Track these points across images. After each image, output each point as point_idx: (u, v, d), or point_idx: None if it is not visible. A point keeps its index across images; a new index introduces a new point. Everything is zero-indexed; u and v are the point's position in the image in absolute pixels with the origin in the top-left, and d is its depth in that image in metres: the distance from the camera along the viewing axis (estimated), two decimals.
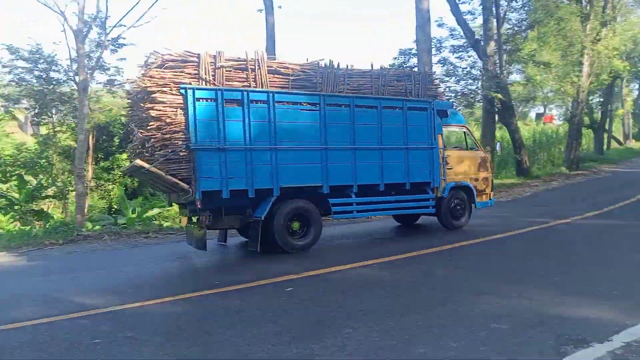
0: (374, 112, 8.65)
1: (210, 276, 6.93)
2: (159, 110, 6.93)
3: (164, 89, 6.98)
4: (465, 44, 20.33)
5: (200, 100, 7.18)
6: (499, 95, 18.31)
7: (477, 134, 22.43)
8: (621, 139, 42.50)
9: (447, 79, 20.45)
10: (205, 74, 7.25)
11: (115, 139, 19.03)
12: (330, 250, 8.40)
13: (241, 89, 7.52)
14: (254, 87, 7.64)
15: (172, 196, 8.31)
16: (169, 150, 6.93)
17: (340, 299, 5.33)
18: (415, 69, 15.17)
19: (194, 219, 7.84)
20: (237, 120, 7.42)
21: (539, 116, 59.35)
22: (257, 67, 7.67)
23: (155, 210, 15.76)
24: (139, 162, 7.05)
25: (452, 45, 20.50)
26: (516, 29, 21.78)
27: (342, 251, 8.43)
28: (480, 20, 20.52)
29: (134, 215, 14.48)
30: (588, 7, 20.52)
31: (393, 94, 9.00)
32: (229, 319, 4.77)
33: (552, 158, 27.69)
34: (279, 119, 7.74)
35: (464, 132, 10.57)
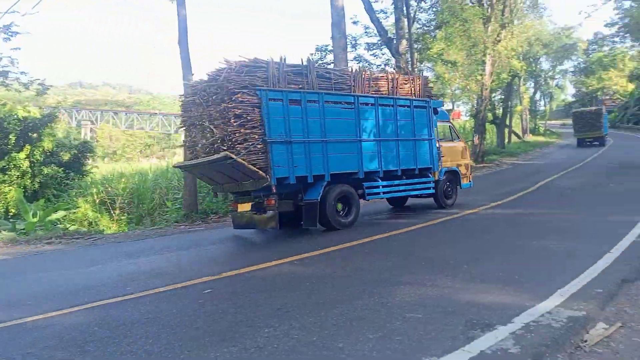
0: (391, 110, 10.35)
1: (124, 282, 6.52)
2: (241, 109, 7.94)
3: (244, 91, 8.01)
4: (379, 42, 20.94)
5: (272, 100, 8.33)
6: None
7: None
8: (520, 134, 46.23)
9: None
10: (273, 78, 8.42)
11: (11, 137, 17.27)
12: (250, 249, 8.29)
13: (300, 90, 8.82)
14: (307, 89, 8.93)
15: (225, 186, 9.45)
16: (249, 144, 7.98)
17: (259, 299, 5.25)
18: (332, 66, 15.53)
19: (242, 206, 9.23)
20: (297, 117, 8.68)
21: (448, 112, 62.82)
22: (308, 72, 9.03)
23: (60, 214, 14.57)
24: (228, 153, 7.89)
25: (367, 43, 21.07)
26: (425, 28, 22.86)
27: (263, 249, 8.33)
28: (392, 19, 21.27)
29: (35, 220, 13.30)
30: (489, 10, 22.00)
31: (403, 94, 10.73)
32: (142, 327, 4.52)
33: None
34: (327, 115, 9.14)
35: (449, 126, 12.78)
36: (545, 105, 76.94)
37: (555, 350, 3.68)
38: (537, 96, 67.47)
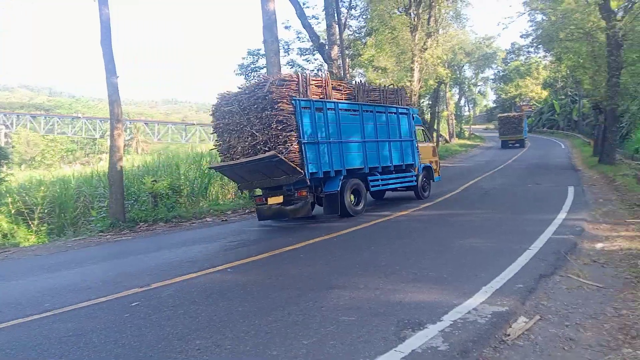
0: (385, 116, 12.26)
1: (42, 298, 6.03)
2: (282, 116, 9.37)
3: (284, 100, 9.41)
4: (312, 47, 21.10)
5: (303, 108, 9.76)
6: None
7: None
8: (447, 138, 48.39)
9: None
10: (302, 89, 9.89)
11: None
12: (183, 258, 7.97)
13: (322, 100, 10.39)
14: (325, 99, 10.49)
15: (255, 183, 10.78)
16: (288, 144, 9.39)
17: (190, 309, 5.06)
18: (264, 70, 15.51)
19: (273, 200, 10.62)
20: (321, 122, 10.22)
21: None
22: (326, 85, 10.67)
23: None
24: (276, 152, 9.27)
25: (300, 48, 21.16)
26: (356, 35, 23.34)
27: (196, 258, 8.04)
28: (324, 25, 21.51)
29: None
30: (416, 19, 22.85)
31: (390, 103, 12.64)
32: (59, 347, 4.19)
33: None
34: (341, 121, 10.79)
35: (422, 129, 15.03)
36: (469, 111, 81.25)
37: (481, 345, 3.84)
38: (462, 102, 71.25)
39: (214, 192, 17.74)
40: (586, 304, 4.89)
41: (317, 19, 21.65)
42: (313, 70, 21.74)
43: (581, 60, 23.91)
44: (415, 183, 13.41)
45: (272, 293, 5.49)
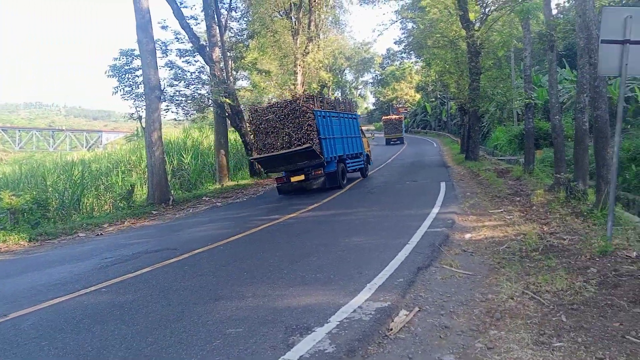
0: (348, 120, 17.79)
1: None
2: (308, 121, 13.93)
3: (309, 110, 14.09)
4: (192, 49, 20.32)
5: (319, 116, 14.50)
6: (228, 100, 19.00)
7: (212, 137, 22.91)
8: None
9: (176, 82, 20.12)
10: (314, 103, 14.98)
11: None
12: (44, 281, 7.11)
13: (324, 110, 15.47)
14: (325, 109, 15.77)
15: (281, 168, 15.32)
16: (314, 140, 13.89)
17: (56, 341, 4.51)
18: (139, 72, 14.78)
19: (295, 178, 15.18)
20: (326, 125, 15.13)
21: None
22: (323, 100, 16.33)
23: None
24: (310, 144, 13.75)
25: (179, 49, 20.24)
26: (238, 37, 23.01)
27: (61, 279, 7.21)
28: (204, 26, 20.85)
29: None
30: (297, 23, 23.20)
31: (347, 111, 18.31)
32: None
33: None
34: (333, 124, 15.85)
35: (362, 129, 20.51)
36: None
37: (366, 343, 3.93)
38: None
39: (88, 204, 16.29)
40: (458, 291, 5.28)
41: (197, 19, 20.90)
42: (194, 72, 20.98)
43: (447, 66, 26.13)
44: (363, 165, 19.09)
45: (153, 311, 5.12)
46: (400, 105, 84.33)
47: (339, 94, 65.30)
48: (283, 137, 14.09)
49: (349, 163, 17.01)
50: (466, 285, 5.50)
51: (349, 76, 69.01)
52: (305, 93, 15.80)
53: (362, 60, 61.87)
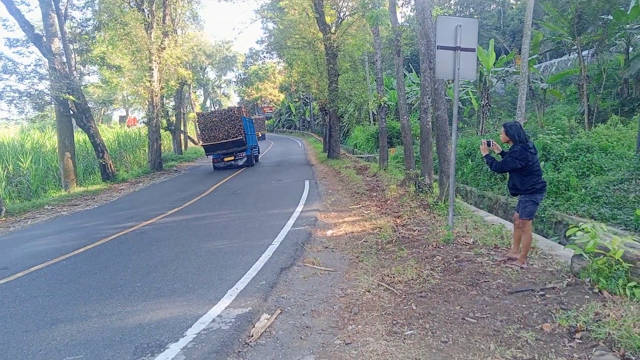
0: (251, 122, 27.74)
1: None
2: (239, 123, 22.38)
3: (239, 116, 22.42)
4: (26, 38, 17.79)
5: (244, 119, 23.45)
6: (72, 97, 17.05)
7: (55, 139, 20.44)
8: (195, 139, 48.12)
9: (6, 76, 17.43)
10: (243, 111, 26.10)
11: None
12: None
13: (245, 117, 25.07)
14: (246, 117, 26.62)
15: (218, 152, 22.55)
16: (241, 134, 22.14)
17: None
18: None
19: (228, 158, 23.05)
20: (246, 126, 24.03)
21: (122, 119, 60.10)
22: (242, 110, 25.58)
23: None
24: (242, 137, 22.15)
25: (8, 38, 17.58)
26: (83, 27, 20.82)
27: None
28: (40, 14, 18.41)
29: None
30: (150, 16, 21.78)
31: (249, 117, 29.77)
32: None
33: (138, 160, 28.44)
34: (248, 125, 25.68)
35: (251, 123, 28.19)
36: None
37: (225, 354, 3.74)
38: (208, 103, 71.94)
39: None
40: (319, 289, 5.34)
41: (29, 5, 18.49)
42: (30, 65, 18.41)
43: (307, 67, 26.85)
44: (258, 153, 27.58)
45: None
46: (266, 105, 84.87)
47: (201, 92, 63.30)
48: (223, 132, 22.08)
49: (254, 150, 25.37)
50: (327, 282, 5.59)
51: (212, 74, 67.31)
52: (237, 106, 24.94)
53: (224, 58, 60.68)
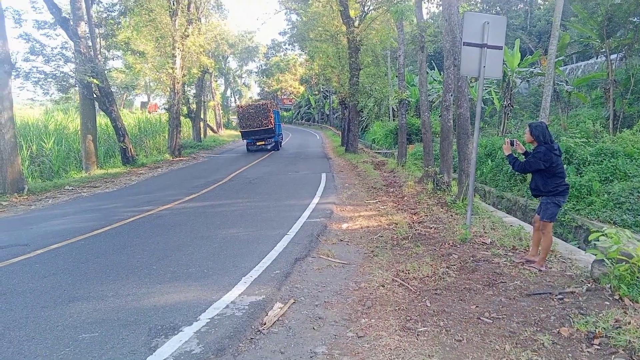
0: (278, 113, 32.22)
1: None
2: (271, 114, 26.89)
3: (271, 108, 27.46)
4: (53, 21, 18.02)
5: (274, 111, 29.15)
6: (96, 81, 17.27)
7: (78, 121, 20.75)
8: (215, 128, 48.47)
9: (33, 57, 17.71)
10: (274, 104, 32.79)
11: None
12: None
13: (274, 109, 29.52)
14: (276, 109, 31.83)
15: (253, 137, 27.76)
16: (272, 124, 27.14)
17: None
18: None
19: (259, 143, 28.47)
20: (275, 116, 28.99)
21: (144, 105, 60.72)
22: (273, 102, 33.71)
23: None
24: (272, 126, 27.40)
25: (36, 20, 17.80)
26: (109, 12, 21.02)
27: None
28: None
29: None
30: (175, 4, 21.88)
31: (276, 108, 33.05)
32: None
33: (157, 146, 28.73)
34: (277, 115, 30.36)
35: (279, 115, 33.88)
36: (235, 102, 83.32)
37: (237, 340, 3.75)
38: (228, 92, 72.27)
39: None
40: (333, 281, 5.33)
41: None
42: (56, 48, 18.64)
43: (329, 60, 26.77)
44: (282, 139, 32.26)
45: None
46: (285, 97, 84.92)
47: (222, 81, 63.56)
48: (257, 121, 26.74)
49: (279, 137, 30.64)
50: (341, 275, 5.58)
51: (233, 64, 67.57)
52: (269, 101, 28.88)
53: (246, 48, 60.75)
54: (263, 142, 27.70)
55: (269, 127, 26.70)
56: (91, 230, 8.26)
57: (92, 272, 5.74)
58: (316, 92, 69.11)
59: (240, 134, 28.68)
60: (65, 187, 14.88)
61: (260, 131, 26.93)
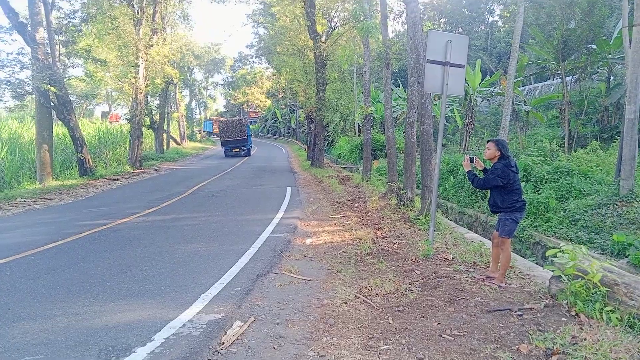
0: (249, 125, 41.09)
1: None
2: (245, 127, 35.97)
3: (243, 122, 36.87)
4: (9, 26, 17.35)
5: (247, 125, 38.96)
6: (53, 89, 16.66)
7: (33, 130, 19.92)
8: (178, 140, 47.57)
9: None
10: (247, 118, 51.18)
11: None
12: None
13: (246, 124, 38.36)
14: (247, 122, 39.90)
15: (231, 146, 35.84)
16: (246, 135, 36.09)
17: None
18: None
19: (235, 150, 36.42)
20: (248, 128, 37.91)
21: (105, 114, 59.18)
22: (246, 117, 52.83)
23: None
24: (245, 137, 35.74)
25: None
26: (70, 19, 20.43)
27: None
28: (26, 1, 17.97)
29: None
30: (139, 12, 21.48)
31: (245, 121, 38.17)
32: None
33: (118, 157, 27.90)
34: (249, 127, 39.00)
35: (250, 128, 42.13)
36: (200, 114, 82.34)
37: None
38: (193, 104, 71.34)
39: None
40: (295, 298, 5.22)
41: None
42: (12, 53, 17.93)
43: (296, 74, 26.82)
44: (251, 147, 38.51)
45: None
46: (252, 110, 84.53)
47: (187, 93, 62.73)
48: (234, 133, 33.84)
49: (251, 145, 36.93)
50: (304, 292, 5.48)
51: (199, 75, 66.87)
52: (243, 117, 35.87)
53: (212, 60, 60.30)
54: (238, 149, 35.51)
55: (243, 137, 34.89)
56: (42, 244, 7.86)
57: (41, 290, 5.42)
58: (283, 106, 69.19)
59: (220, 142, 37.73)
60: (17, 199, 14.20)
61: (236, 141, 34.82)
